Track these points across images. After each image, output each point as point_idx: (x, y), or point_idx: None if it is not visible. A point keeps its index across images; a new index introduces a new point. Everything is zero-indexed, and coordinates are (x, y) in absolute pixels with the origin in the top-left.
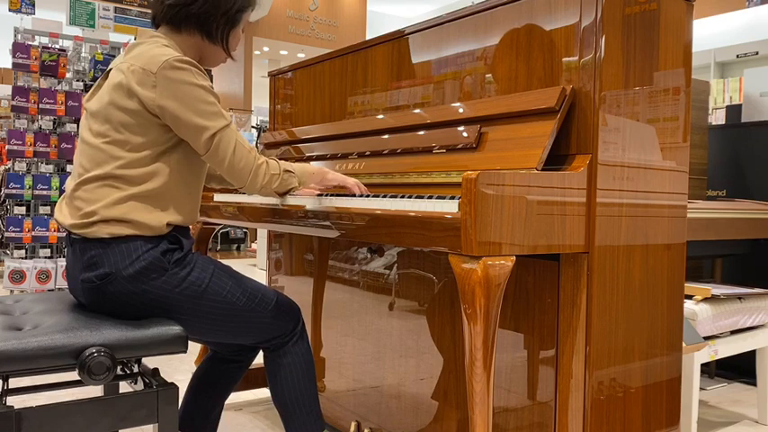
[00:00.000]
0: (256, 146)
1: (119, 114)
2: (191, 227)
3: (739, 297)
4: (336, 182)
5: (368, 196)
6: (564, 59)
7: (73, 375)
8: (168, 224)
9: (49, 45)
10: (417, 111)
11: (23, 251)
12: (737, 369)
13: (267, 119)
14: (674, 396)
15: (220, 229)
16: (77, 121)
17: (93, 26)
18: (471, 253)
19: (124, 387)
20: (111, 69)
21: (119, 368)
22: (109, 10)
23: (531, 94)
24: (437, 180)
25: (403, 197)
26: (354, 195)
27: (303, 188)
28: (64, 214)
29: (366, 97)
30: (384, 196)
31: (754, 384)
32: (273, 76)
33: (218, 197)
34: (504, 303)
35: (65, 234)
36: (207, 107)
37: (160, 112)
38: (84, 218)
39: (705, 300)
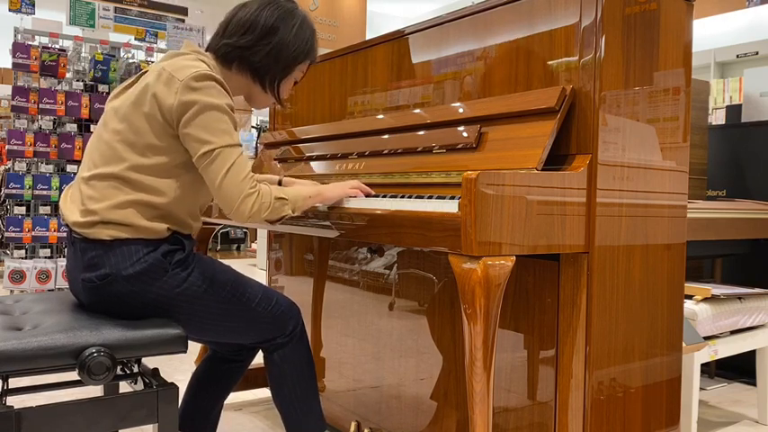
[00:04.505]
0: (256, 146)
1: (138, 116)
2: None
3: (739, 297)
4: (339, 198)
5: (368, 196)
6: (564, 59)
7: (73, 375)
8: (169, 229)
9: (49, 45)
10: (417, 111)
11: (23, 251)
12: (737, 369)
13: (267, 119)
14: (674, 396)
15: (220, 229)
16: (77, 121)
17: (93, 26)
18: (471, 253)
19: (124, 387)
20: (146, 71)
21: (119, 368)
22: (109, 10)
23: (531, 94)
24: (437, 180)
25: (403, 197)
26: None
27: (299, 212)
28: (68, 208)
29: (366, 97)
30: (384, 196)
31: (754, 384)
32: None
33: None
34: (504, 303)
35: (66, 232)
36: (217, 124)
37: (173, 118)
38: (85, 215)
39: (705, 300)
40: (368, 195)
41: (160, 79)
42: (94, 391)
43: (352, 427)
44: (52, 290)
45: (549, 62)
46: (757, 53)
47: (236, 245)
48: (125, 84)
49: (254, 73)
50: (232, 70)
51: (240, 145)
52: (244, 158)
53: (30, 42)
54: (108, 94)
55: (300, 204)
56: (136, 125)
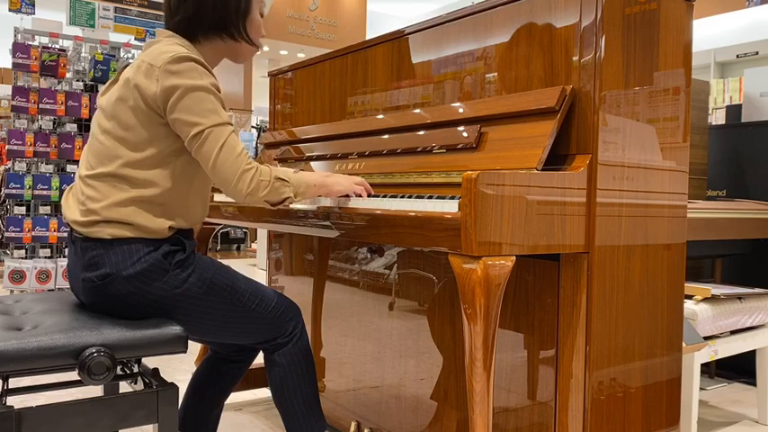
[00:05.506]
0: (256, 146)
1: (124, 111)
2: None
3: (739, 297)
4: (344, 193)
5: (369, 195)
6: (564, 59)
7: (73, 375)
8: (171, 228)
9: (49, 45)
10: (417, 111)
11: (23, 251)
12: (737, 369)
13: (267, 119)
14: (674, 396)
15: (220, 229)
16: (77, 121)
17: (93, 26)
18: (471, 253)
19: (124, 387)
20: (127, 65)
21: (119, 368)
22: (109, 10)
23: (531, 94)
24: (437, 180)
25: (403, 197)
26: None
27: (301, 199)
28: (70, 207)
29: (366, 97)
30: (384, 196)
31: (754, 384)
32: (273, 76)
33: (218, 197)
34: (504, 303)
35: (67, 231)
36: (202, 105)
37: (159, 106)
38: (86, 215)
39: (705, 300)
40: (369, 195)
41: (140, 71)
42: (94, 391)
43: (352, 427)
44: (52, 290)
45: (549, 62)
46: (757, 53)
47: (236, 245)
48: (110, 81)
49: (217, 32)
50: (201, 42)
51: (230, 123)
52: (236, 136)
53: (30, 42)
54: None
55: (303, 190)
56: (124, 121)
